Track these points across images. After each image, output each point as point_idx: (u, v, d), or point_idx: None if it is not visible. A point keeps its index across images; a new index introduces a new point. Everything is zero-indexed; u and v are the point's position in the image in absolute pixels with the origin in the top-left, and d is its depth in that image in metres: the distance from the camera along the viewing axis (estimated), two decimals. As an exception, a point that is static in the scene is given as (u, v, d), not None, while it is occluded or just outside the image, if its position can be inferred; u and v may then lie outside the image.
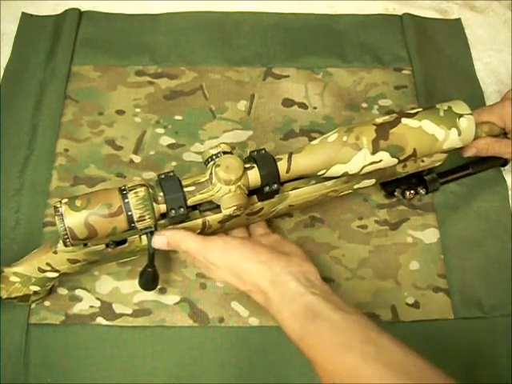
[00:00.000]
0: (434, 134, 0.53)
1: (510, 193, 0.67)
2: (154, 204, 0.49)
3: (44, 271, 0.53)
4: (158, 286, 0.56)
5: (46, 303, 0.58)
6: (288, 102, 0.73)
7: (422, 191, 0.63)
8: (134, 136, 0.69)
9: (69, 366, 0.56)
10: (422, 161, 0.59)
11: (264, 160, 0.52)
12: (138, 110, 0.71)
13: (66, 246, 0.49)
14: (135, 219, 0.48)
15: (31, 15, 0.79)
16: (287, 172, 0.52)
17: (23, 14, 0.79)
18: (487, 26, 0.82)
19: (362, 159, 0.52)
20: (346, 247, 0.63)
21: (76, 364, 0.56)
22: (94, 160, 0.67)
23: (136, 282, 0.56)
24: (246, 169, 0.51)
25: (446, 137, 0.54)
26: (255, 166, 0.52)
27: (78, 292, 0.59)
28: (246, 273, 0.50)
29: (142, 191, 0.48)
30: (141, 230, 0.50)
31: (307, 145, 0.53)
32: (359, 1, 0.82)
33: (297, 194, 0.56)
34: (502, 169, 0.67)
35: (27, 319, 0.57)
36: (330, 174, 0.53)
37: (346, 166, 0.52)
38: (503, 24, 0.82)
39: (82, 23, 0.78)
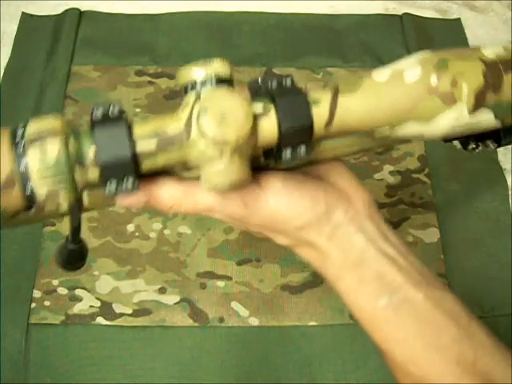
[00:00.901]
0: None
1: (510, 193, 0.67)
2: (77, 168, 0.29)
3: None
4: (158, 286, 0.56)
5: (46, 303, 0.58)
6: (288, 102, 0.73)
7: (492, 145, 0.42)
8: (133, 136, 0.69)
9: (69, 366, 0.56)
10: None
11: (290, 101, 0.31)
12: (138, 109, 0.71)
13: None
14: (39, 198, 0.29)
15: (31, 15, 0.79)
16: (327, 125, 0.32)
17: (23, 13, 0.79)
18: (487, 26, 0.82)
19: (453, 120, 0.33)
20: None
21: (76, 364, 0.56)
22: (94, 160, 0.67)
23: (136, 281, 0.56)
24: (255, 116, 0.31)
25: None
26: (272, 108, 0.31)
27: (78, 292, 0.59)
28: (298, 230, 0.35)
29: (54, 147, 0.29)
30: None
31: (364, 78, 0.33)
32: (359, 1, 0.82)
33: (331, 146, 0.36)
34: (503, 168, 0.67)
35: (27, 319, 0.57)
36: (393, 133, 0.34)
37: (424, 126, 0.33)
38: (503, 24, 0.82)
39: (82, 23, 0.78)
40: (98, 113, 0.31)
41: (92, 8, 0.80)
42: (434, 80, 0.32)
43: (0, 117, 0.70)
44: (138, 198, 0.33)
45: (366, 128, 0.34)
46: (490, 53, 0.34)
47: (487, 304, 0.60)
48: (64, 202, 0.29)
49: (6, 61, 0.75)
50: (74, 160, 0.29)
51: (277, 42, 0.78)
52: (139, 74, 0.75)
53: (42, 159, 0.28)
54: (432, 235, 0.64)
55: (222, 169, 0.30)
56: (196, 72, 0.30)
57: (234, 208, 0.34)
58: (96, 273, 0.60)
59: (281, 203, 0.34)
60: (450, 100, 0.32)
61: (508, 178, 0.68)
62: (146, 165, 0.30)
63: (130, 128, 0.30)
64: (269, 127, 0.31)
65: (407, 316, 0.34)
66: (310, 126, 0.31)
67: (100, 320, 0.58)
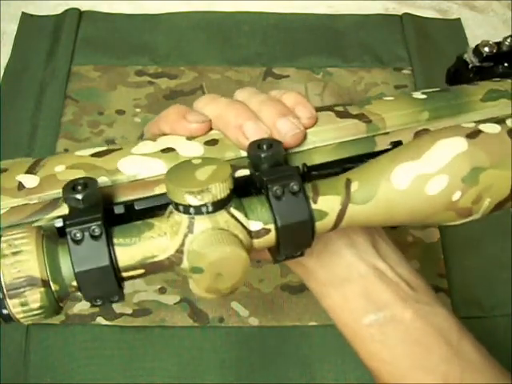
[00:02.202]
0: None
1: (510, 193, 0.67)
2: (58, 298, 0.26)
3: None
4: (158, 286, 0.56)
5: (46, 303, 0.58)
6: (288, 102, 0.73)
7: None
8: (134, 136, 0.69)
9: (69, 366, 0.56)
10: None
11: (292, 218, 0.27)
12: (138, 109, 0.71)
13: None
14: (10, 309, 0.25)
15: (31, 15, 0.79)
16: (329, 230, 0.29)
17: (23, 13, 0.79)
18: (487, 26, 0.82)
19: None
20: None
21: (76, 364, 0.56)
22: (94, 160, 0.67)
23: (136, 281, 0.55)
24: (252, 235, 0.27)
25: None
26: (272, 228, 0.27)
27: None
28: None
29: (35, 300, 0.25)
30: None
31: (382, 179, 0.28)
32: (359, 1, 0.82)
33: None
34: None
35: (27, 319, 0.57)
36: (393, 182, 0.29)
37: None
38: (503, 24, 0.82)
39: (82, 23, 0.78)
40: (77, 232, 0.25)
41: (92, 8, 0.80)
42: (456, 196, 0.28)
43: (0, 117, 0.70)
44: None
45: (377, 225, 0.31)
46: None
47: (487, 304, 0.60)
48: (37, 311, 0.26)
49: (6, 61, 0.75)
50: (57, 300, 0.27)
51: (277, 42, 0.78)
52: (139, 74, 0.75)
53: (23, 310, 0.25)
54: (432, 235, 0.64)
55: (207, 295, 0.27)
56: (191, 201, 0.26)
57: None
58: (96, 273, 0.60)
59: None
60: (466, 214, 0.29)
61: (508, 178, 0.68)
62: (123, 260, 0.27)
63: (113, 257, 0.26)
64: (265, 243, 0.28)
65: (394, 335, 0.33)
66: (312, 235, 0.28)
67: (100, 320, 0.58)
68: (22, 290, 0.25)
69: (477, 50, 0.39)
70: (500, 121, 0.30)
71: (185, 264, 0.26)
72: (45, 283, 0.25)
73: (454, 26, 0.81)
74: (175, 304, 0.59)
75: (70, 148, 0.68)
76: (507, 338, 0.58)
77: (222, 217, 0.26)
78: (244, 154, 0.30)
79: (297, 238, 0.28)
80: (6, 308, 0.25)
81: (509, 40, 0.39)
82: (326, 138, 0.31)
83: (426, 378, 0.32)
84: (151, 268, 0.27)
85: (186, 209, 0.26)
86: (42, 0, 0.81)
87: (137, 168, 0.30)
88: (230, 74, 0.75)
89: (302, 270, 0.36)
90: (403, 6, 0.82)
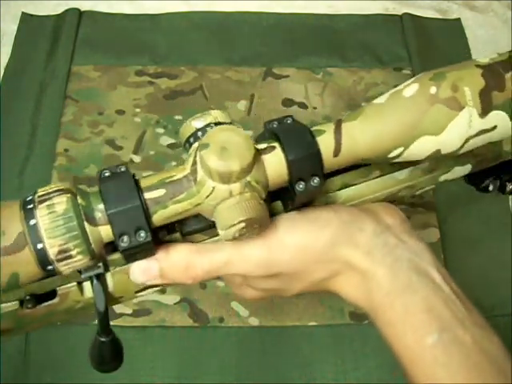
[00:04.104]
0: None
1: (510, 193, 0.67)
2: (88, 226, 0.28)
3: None
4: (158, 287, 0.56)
5: (46, 303, 0.58)
6: (288, 102, 0.73)
7: None
8: (134, 136, 0.69)
9: (69, 366, 0.56)
10: None
11: (293, 135, 0.30)
12: (137, 109, 0.71)
13: None
14: (52, 257, 0.27)
15: (31, 15, 0.79)
16: (336, 155, 0.31)
17: (23, 13, 0.79)
18: (487, 25, 0.82)
19: (465, 127, 0.30)
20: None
21: (76, 364, 0.56)
22: (94, 160, 0.67)
23: None
24: (260, 152, 0.30)
25: None
26: (277, 145, 0.30)
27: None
28: (328, 246, 0.32)
29: (61, 203, 0.27)
30: (69, 275, 0.30)
31: (367, 106, 0.32)
32: (359, 1, 0.82)
33: (350, 196, 0.35)
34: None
35: (27, 319, 0.57)
36: (410, 155, 0.32)
37: (438, 140, 0.31)
38: (503, 24, 0.82)
39: (82, 23, 0.78)
40: (105, 173, 0.29)
41: (92, 8, 0.80)
42: (432, 89, 0.30)
43: (0, 117, 0.70)
44: (153, 267, 0.31)
45: (378, 153, 0.31)
46: (484, 59, 0.32)
47: (487, 304, 0.60)
48: (79, 261, 0.28)
49: (6, 61, 0.75)
50: (84, 218, 0.28)
51: (277, 42, 0.78)
52: (139, 74, 0.75)
53: (50, 217, 0.27)
54: (432, 235, 0.64)
55: (234, 203, 0.28)
56: (196, 123, 0.31)
57: (253, 252, 0.31)
58: (96, 273, 0.60)
59: (296, 225, 0.32)
60: (455, 105, 0.30)
61: (508, 178, 0.68)
62: (158, 216, 0.29)
63: (135, 180, 0.29)
64: (276, 161, 0.30)
65: (456, 358, 0.30)
66: (318, 153, 0.30)
67: (100, 320, 0.58)
68: (51, 196, 0.27)
69: None
70: None
71: (199, 172, 0.29)
72: (72, 192, 0.28)
73: (454, 26, 0.81)
74: (175, 304, 0.59)
75: (69, 148, 0.68)
76: (507, 338, 0.58)
77: (225, 125, 0.30)
78: None
79: (303, 148, 0.30)
80: (34, 218, 0.27)
81: None
82: None
83: None
84: (171, 191, 0.29)
85: (195, 136, 0.30)
86: (42, 0, 0.81)
87: None
88: (230, 74, 0.75)
89: (360, 278, 0.32)
90: (403, 6, 0.82)
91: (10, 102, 0.71)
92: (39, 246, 0.26)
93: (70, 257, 0.27)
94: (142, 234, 0.28)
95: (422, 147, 0.31)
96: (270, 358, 0.57)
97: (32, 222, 0.27)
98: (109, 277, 0.32)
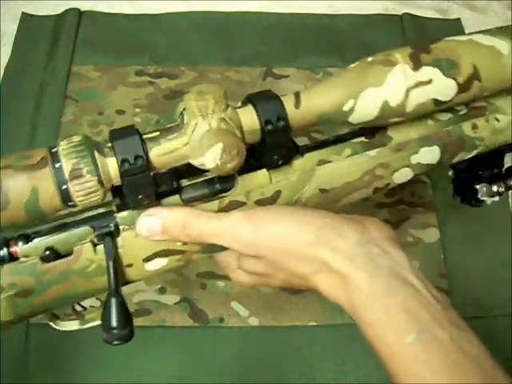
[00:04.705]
0: (494, 46, 0.39)
1: (510, 193, 0.67)
2: (98, 155, 0.33)
3: None
4: (158, 286, 0.56)
5: (46, 303, 0.58)
6: (288, 102, 0.73)
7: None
8: (133, 136, 0.69)
9: (69, 365, 0.56)
10: (497, 120, 0.43)
11: (262, 95, 0.37)
12: (137, 109, 0.71)
13: None
14: (66, 174, 0.32)
15: (31, 15, 0.79)
16: (297, 107, 0.36)
17: (23, 13, 0.79)
18: (487, 26, 0.81)
19: (401, 76, 0.36)
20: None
21: (76, 364, 0.56)
22: (94, 160, 0.67)
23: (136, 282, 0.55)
24: (235, 108, 0.36)
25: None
26: (249, 104, 0.37)
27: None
28: (311, 246, 0.34)
29: (78, 136, 0.33)
30: (81, 207, 0.34)
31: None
32: (359, 1, 0.82)
33: (327, 172, 0.39)
34: (502, 168, 0.67)
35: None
36: (362, 108, 0.37)
37: (382, 91, 0.36)
38: (503, 24, 0.82)
39: (82, 23, 0.78)
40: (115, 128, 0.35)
41: (92, 8, 0.80)
42: (369, 58, 0.37)
43: (0, 117, 0.70)
44: (156, 223, 0.35)
45: (333, 106, 0.36)
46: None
47: (487, 304, 0.60)
48: (89, 182, 0.32)
49: (6, 61, 0.75)
50: (94, 148, 0.33)
51: (277, 42, 0.78)
52: (139, 74, 0.75)
53: (68, 145, 0.33)
54: (432, 235, 0.64)
55: (213, 131, 0.34)
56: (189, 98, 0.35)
57: (243, 231, 0.35)
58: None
59: (284, 218, 0.35)
60: (388, 63, 0.36)
61: (508, 177, 0.67)
62: (154, 151, 0.34)
63: (137, 129, 0.35)
64: (248, 111, 0.36)
65: (435, 356, 0.31)
66: (281, 103, 0.36)
67: (100, 320, 0.58)
68: (71, 137, 0.33)
69: None
70: None
71: (185, 116, 0.35)
72: (86, 135, 0.34)
73: (454, 26, 0.81)
74: (175, 304, 0.59)
75: (69, 148, 0.68)
76: (507, 338, 0.58)
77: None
78: None
79: (268, 101, 0.36)
80: (55, 147, 0.33)
81: None
82: None
83: None
84: (164, 133, 0.35)
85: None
86: (42, 0, 0.81)
87: None
88: (230, 74, 0.75)
89: (339, 280, 0.34)
90: (403, 6, 0.82)
91: (10, 102, 0.71)
92: (57, 165, 0.32)
93: (81, 176, 0.32)
94: (140, 161, 0.33)
95: (370, 100, 0.36)
96: (270, 358, 0.57)
97: (54, 149, 0.33)
98: (119, 241, 0.36)
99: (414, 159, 0.41)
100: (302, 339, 0.57)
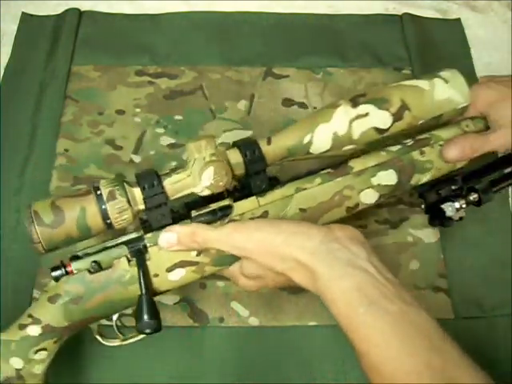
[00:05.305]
0: (416, 85, 0.49)
1: (510, 193, 0.67)
2: (126, 185, 0.44)
3: (24, 326, 0.46)
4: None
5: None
6: (288, 102, 0.73)
7: (473, 198, 0.56)
8: (134, 136, 0.69)
9: (69, 366, 0.56)
10: (440, 145, 0.53)
11: (242, 140, 0.48)
12: (138, 109, 0.71)
13: (35, 250, 0.44)
14: (105, 198, 0.43)
15: (31, 15, 0.79)
16: (268, 144, 0.48)
17: (23, 13, 0.79)
18: (487, 25, 0.82)
19: (343, 113, 0.47)
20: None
21: (76, 364, 0.56)
22: (94, 160, 0.67)
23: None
24: (223, 149, 0.47)
25: (432, 86, 0.50)
26: (235, 148, 0.48)
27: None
28: (283, 246, 0.43)
29: (112, 176, 0.46)
30: (119, 229, 0.45)
31: None
32: (359, 1, 0.82)
33: (303, 195, 0.49)
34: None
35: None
36: (318, 140, 0.48)
37: (330, 126, 0.47)
38: (503, 24, 0.82)
39: (82, 23, 0.78)
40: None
41: (92, 8, 0.80)
42: (319, 107, 0.54)
43: (0, 117, 0.70)
44: (173, 236, 0.46)
45: (295, 140, 0.48)
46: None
47: (487, 304, 0.60)
48: (121, 203, 0.44)
49: (6, 61, 0.75)
50: (125, 181, 0.45)
51: (277, 42, 0.78)
52: (139, 73, 0.75)
53: (105, 180, 0.45)
54: (432, 235, 0.64)
55: (206, 162, 0.45)
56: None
57: (235, 238, 0.45)
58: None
59: (264, 227, 0.45)
60: (333, 106, 0.48)
61: (508, 177, 0.68)
62: (166, 182, 0.46)
63: (155, 170, 0.46)
64: (232, 151, 0.47)
65: (383, 323, 0.39)
66: (255, 141, 0.48)
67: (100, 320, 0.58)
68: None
69: None
70: None
71: (187, 158, 0.46)
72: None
73: (454, 26, 0.81)
74: (175, 304, 0.59)
75: (69, 148, 0.68)
76: (507, 338, 0.58)
77: None
78: None
79: (248, 144, 0.47)
80: (97, 183, 0.44)
81: None
82: None
83: (410, 360, 0.37)
84: (174, 170, 0.46)
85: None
86: (42, 0, 0.81)
87: None
88: (230, 74, 0.75)
89: (308, 273, 0.42)
90: (403, 5, 0.82)
91: (10, 102, 0.71)
92: (98, 192, 0.44)
93: (115, 198, 0.44)
94: (154, 184, 0.45)
95: (322, 132, 0.47)
96: (270, 358, 0.57)
97: (95, 184, 0.44)
98: (147, 256, 0.47)
99: (375, 181, 0.51)
100: (302, 339, 0.57)
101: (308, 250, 0.42)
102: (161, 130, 0.70)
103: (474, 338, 0.58)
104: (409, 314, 0.39)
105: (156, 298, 0.59)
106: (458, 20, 0.82)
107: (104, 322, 0.50)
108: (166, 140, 0.69)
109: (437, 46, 0.78)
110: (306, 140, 0.47)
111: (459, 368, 0.37)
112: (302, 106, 0.72)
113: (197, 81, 0.74)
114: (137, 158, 0.68)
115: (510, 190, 0.67)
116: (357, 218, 0.64)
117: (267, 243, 0.44)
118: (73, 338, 0.57)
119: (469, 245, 0.63)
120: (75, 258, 0.47)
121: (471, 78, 0.75)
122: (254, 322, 0.58)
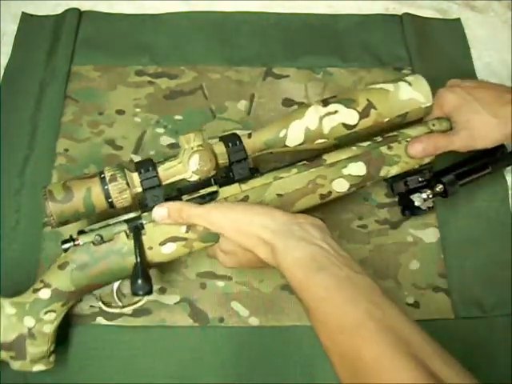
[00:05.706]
0: (382, 87, 0.57)
1: (510, 193, 0.67)
2: (126, 170, 0.52)
3: (37, 290, 0.53)
4: (158, 286, 0.56)
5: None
6: (288, 102, 0.73)
7: (439, 189, 0.61)
8: (134, 136, 0.69)
9: (69, 365, 0.56)
10: (407, 142, 0.59)
11: (226, 135, 0.55)
12: (137, 109, 0.71)
13: (49, 223, 0.52)
14: (107, 180, 0.51)
15: (31, 15, 0.79)
16: (249, 137, 0.55)
17: (23, 13, 0.79)
18: (487, 25, 0.82)
19: (314, 112, 0.55)
20: (346, 247, 0.63)
21: (76, 364, 0.56)
22: (94, 160, 0.67)
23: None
24: (210, 143, 0.54)
25: (396, 88, 0.57)
26: (221, 142, 0.55)
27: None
28: (249, 225, 0.49)
29: (114, 164, 0.53)
30: (120, 208, 0.52)
31: None
32: (359, 1, 0.82)
33: (280, 183, 0.55)
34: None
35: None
36: (292, 134, 0.55)
37: (303, 122, 0.54)
38: (503, 24, 0.82)
39: (82, 23, 0.78)
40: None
41: (92, 8, 0.80)
42: (293, 110, 0.59)
43: (0, 117, 0.70)
44: (164, 211, 0.51)
45: (272, 134, 0.55)
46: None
47: (487, 304, 0.60)
48: (120, 184, 0.51)
49: (6, 61, 0.75)
50: (125, 167, 0.52)
51: (277, 42, 0.78)
52: (139, 73, 0.75)
53: (108, 167, 0.52)
54: (432, 235, 0.64)
55: (194, 150, 0.53)
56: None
57: (213, 215, 0.50)
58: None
59: (237, 207, 0.50)
60: (306, 106, 0.56)
61: (508, 178, 0.68)
62: (160, 168, 0.53)
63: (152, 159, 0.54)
64: (218, 142, 0.55)
65: (329, 282, 0.44)
66: (237, 134, 0.55)
67: (100, 320, 0.58)
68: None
69: None
70: None
71: (179, 150, 0.54)
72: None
73: (454, 26, 0.81)
74: (175, 304, 0.59)
75: (69, 148, 0.68)
76: (507, 338, 0.58)
77: None
78: None
79: (231, 138, 0.55)
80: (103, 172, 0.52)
81: None
82: None
83: (352, 310, 0.42)
84: (167, 159, 0.54)
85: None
86: (41, 0, 0.81)
87: None
88: (230, 74, 0.75)
89: (268, 248, 0.48)
90: (403, 5, 0.82)
91: (10, 102, 0.71)
92: (102, 175, 0.51)
93: (116, 180, 0.51)
94: (150, 169, 0.52)
95: (296, 128, 0.55)
96: (270, 358, 0.57)
97: (101, 172, 0.52)
98: (143, 232, 0.53)
99: (345, 171, 0.57)
100: (303, 339, 0.57)
101: (270, 229, 0.48)
102: (161, 130, 0.70)
103: (474, 338, 0.58)
104: (354, 278, 0.44)
105: (156, 298, 0.59)
106: (458, 20, 0.82)
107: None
108: (166, 140, 0.69)
109: (437, 46, 0.78)
110: (282, 134, 0.55)
111: (399, 321, 0.42)
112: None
113: (197, 81, 0.74)
114: (137, 158, 0.68)
115: (510, 190, 0.67)
116: (358, 217, 0.64)
117: (237, 222, 0.49)
118: (73, 338, 0.57)
119: (469, 245, 0.63)
120: (82, 232, 0.53)
121: (471, 78, 0.76)
122: (254, 321, 0.58)
